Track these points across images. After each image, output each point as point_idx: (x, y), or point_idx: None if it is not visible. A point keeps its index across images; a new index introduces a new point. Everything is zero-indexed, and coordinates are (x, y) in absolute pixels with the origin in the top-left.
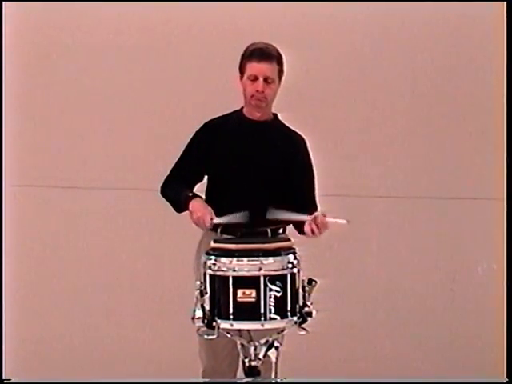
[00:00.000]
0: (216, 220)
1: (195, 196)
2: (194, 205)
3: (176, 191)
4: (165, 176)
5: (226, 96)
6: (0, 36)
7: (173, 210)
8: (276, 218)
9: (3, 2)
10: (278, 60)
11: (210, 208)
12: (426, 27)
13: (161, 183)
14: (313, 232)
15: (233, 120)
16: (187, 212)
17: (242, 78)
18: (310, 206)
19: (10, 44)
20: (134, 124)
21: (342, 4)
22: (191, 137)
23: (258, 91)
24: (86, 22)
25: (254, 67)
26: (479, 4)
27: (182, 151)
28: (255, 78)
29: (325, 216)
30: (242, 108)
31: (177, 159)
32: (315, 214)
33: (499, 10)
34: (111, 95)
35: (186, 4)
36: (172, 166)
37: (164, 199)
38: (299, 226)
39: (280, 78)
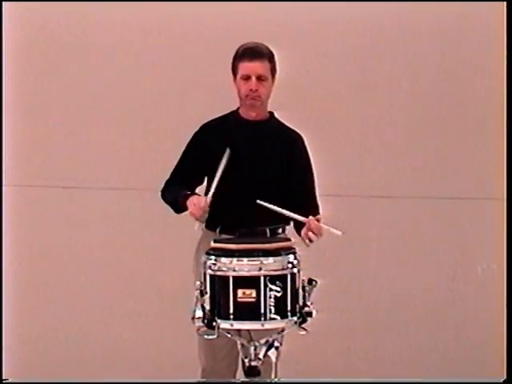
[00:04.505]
0: (210, 193)
1: (193, 194)
2: (190, 199)
3: (176, 193)
4: (165, 176)
5: (226, 96)
6: (0, 36)
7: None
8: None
9: (3, 2)
10: (270, 58)
11: (205, 197)
12: (425, 27)
13: (161, 183)
14: (310, 240)
15: (229, 121)
16: (187, 212)
17: (235, 79)
18: (311, 205)
19: (10, 44)
20: (135, 124)
21: (342, 4)
22: (189, 139)
23: (251, 90)
24: (86, 22)
25: (245, 66)
26: (479, 4)
27: (180, 154)
28: (248, 77)
29: (319, 221)
30: (238, 108)
31: (176, 162)
32: (309, 218)
33: (499, 10)
34: (111, 95)
35: (187, 4)
36: (172, 167)
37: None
38: (299, 228)
39: (273, 76)
